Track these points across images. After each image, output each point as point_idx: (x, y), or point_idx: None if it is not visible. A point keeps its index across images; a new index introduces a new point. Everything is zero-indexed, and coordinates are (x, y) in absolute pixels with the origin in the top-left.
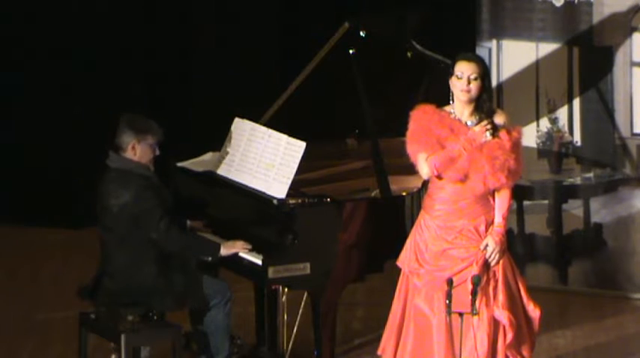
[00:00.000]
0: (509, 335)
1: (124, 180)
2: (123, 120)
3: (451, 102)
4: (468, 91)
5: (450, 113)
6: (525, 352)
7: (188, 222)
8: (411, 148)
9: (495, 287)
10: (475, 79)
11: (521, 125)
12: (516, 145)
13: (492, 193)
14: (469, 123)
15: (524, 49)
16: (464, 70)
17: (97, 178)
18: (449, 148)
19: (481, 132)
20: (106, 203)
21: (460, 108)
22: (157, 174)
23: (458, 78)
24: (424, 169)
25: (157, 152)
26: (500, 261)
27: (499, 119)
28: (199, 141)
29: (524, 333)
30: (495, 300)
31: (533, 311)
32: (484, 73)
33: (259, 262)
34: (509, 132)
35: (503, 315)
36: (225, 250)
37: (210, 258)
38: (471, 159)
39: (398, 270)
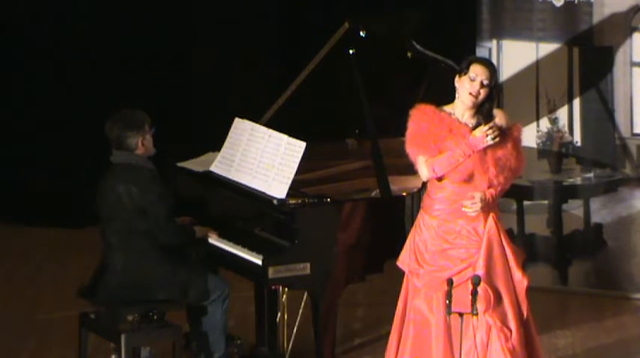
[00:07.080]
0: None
1: (129, 174)
2: (116, 126)
3: (456, 98)
4: (477, 95)
5: (450, 114)
6: (525, 352)
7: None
8: (410, 150)
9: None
10: (487, 85)
11: (520, 125)
12: (517, 143)
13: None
14: (469, 124)
15: (524, 49)
16: (479, 72)
17: (98, 176)
18: (449, 153)
19: (482, 137)
20: (110, 197)
21: (461, 109)
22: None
23: (471, 79)
24: (424, 172)
25: (153, 131)
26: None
27: (498, 119)
28: (199, 141)
29: (524, 333)
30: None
31: (520, 282)
32: (494, 83)
33: (259, 262)
34: (509, 132)
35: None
36: (198, 233)
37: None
38: (476, 160)
39: (398, 270)
